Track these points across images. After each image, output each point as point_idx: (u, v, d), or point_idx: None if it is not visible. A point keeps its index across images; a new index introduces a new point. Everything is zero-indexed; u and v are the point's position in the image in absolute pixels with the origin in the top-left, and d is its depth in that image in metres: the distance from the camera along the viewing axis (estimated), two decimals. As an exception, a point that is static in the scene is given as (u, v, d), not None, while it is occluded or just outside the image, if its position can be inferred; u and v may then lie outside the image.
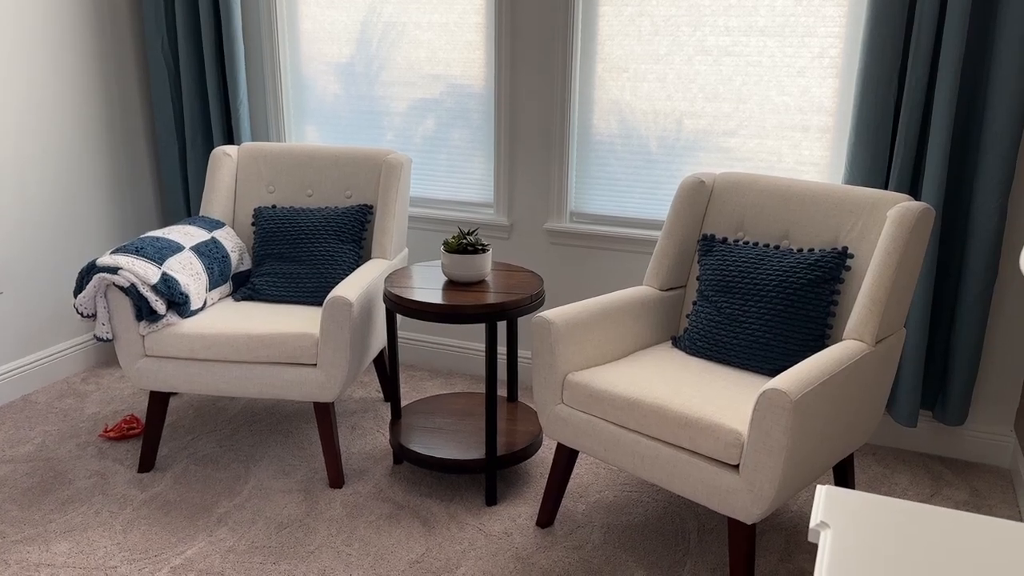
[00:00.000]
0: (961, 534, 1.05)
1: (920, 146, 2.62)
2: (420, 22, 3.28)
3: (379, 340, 2.87)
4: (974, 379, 2.74)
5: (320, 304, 2.85)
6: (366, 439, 2.97)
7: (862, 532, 1.04)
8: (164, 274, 2.61)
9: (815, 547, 2.39)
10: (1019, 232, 2.65)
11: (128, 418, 3.01)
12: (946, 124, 2.50)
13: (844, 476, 2.46)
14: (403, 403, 3.22)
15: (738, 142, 2.94)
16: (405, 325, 3.61)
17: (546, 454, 2.88)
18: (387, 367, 3.23)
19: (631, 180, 3.12)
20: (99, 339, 2.62)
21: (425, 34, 3.28)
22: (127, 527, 2.45)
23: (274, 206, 3.07)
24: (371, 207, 3.01)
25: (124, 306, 2.58)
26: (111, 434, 2.94)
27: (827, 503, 1.10)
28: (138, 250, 2.63)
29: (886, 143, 2.62)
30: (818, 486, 1.15)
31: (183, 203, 3.64)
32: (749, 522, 1.99)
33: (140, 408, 3.19)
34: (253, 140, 3.60)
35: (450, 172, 3.40)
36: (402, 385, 3.41)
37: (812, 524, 1.06)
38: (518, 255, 3.34)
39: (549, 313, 2.30)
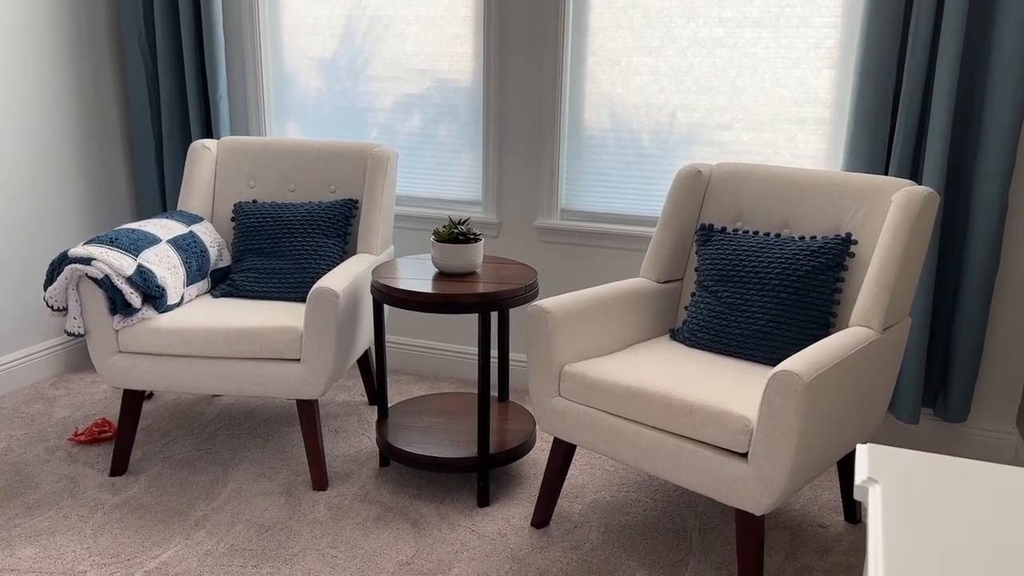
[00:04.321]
0: (1013, 487, 0.97)
1: (919, 135, 2.57)
2: (406, 15, 3.21)
3: (365, 337, 2.76)
4: (975, 375, 2.67)
5: (303, 300, 2.74)
6: (351, 442, 2.85)
7: (912, 486, 0.96)
8: (140, 266, 2.49)
9: (821, 544, 2.30)
10: (1021, 222, 2.60)
11: (99, 421, 2.87)
12: (946, 111, 2.46)
13: (849, 473, 2.38)
14: (389, 404, 3.10)
15: (733, 135, 2.88)
16: (391, 328, 3.50)
17: (539, 455, 2.78)
18: (372, 367, 3.11)
19: (623, 176, 3.05)
20: (70, 334, 2.49)
21: (411, 28, 3.21)
22: (98, 531, 2.31)
23: (255, 201, 2.96)
24: (356, 202, 2.91)
25: (97, 299, 2.46)
26: (81, 438, 2.80)
27: (871, 460, 1.02)
28: (112, 241, 2.51)
29: (885, 132, 2.58)
30: (859, 445, 1.06)
31: (159, 200, 3.52)
32: (758, 513, 1.90)
33: (112, 412, 3.05)
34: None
35: (437, 169, 3.31)
36: (388, 389, 3.29)
37: (858, 481, 0.98)
38: (508, 253, 3.25)
39: (546, 302, 2.22)
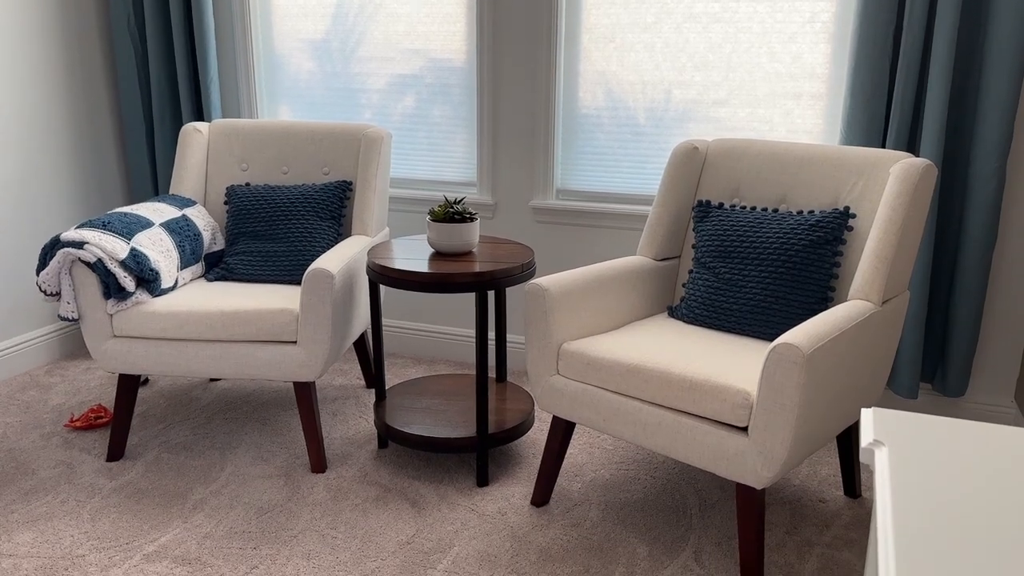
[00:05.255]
0: (1018, 447, 0.96)
1: (917, 108, 2.56)
2: (398, -5, 3.17)
3: (361, 320, 2.75)
4: (974, 349, 2.67)
5: (298, 283, 2.72)
6: (348, 424, 2.84)
7: (918, 448, 0.95)
8: (133, 249, 2.47)
9: (822, 519, 2.30)
10: (1018, 196, 2.59)
11: (95, 407, 2.85)
12: (943, 84, 2.44)
13: (848, 447, 2.37)
14: (387, 387, 3.09)
15: (729, 111, 2.86)
16: (387, 312, 3.49)
17: (537, 435, 2.77)
18: (369, 350, 3.10)
19: (619, 154, 3.03)
20: (64, 319, 2.47)
21: (403, 7, 3.18)
22: (95, 516, 2.29)
23: (248, 184, 2.94)
24: (350, 183, 2.89)
25: (90, 283, 2.43)
26: (77, 424, 2.78)
27: (876, 423, 1.01)
28: (105, 224, 2.49)
29: (882, 105, 2.56)
30: (863, 409, 1.05)
31: (150, 184, 3.49)
32: (759, 487, 1.89)
33: (108, 399, 3.03)
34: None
35: (431, 150, 3.29)
36: (385, 371, 3.27)
37: (864, 444, 0.97)
38: (503, 234, 3.23)
39: (543, 280, 2.20)
